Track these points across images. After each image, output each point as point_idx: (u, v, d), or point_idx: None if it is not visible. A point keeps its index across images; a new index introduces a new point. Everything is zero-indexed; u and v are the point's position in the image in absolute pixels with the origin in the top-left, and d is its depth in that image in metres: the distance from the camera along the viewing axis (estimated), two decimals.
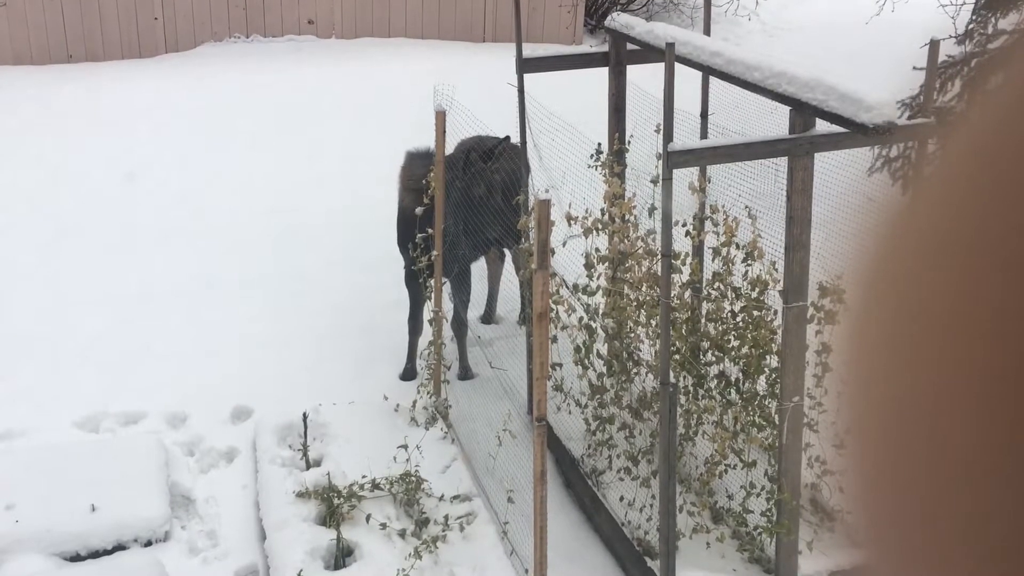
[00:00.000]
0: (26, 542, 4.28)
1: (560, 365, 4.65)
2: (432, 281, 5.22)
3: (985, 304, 0.35)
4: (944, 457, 0.36)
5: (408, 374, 5.56)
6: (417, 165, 5.22)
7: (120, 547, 4.38)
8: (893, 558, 0.39)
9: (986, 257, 0.35)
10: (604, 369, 4.62)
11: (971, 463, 0.35)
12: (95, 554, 4.34)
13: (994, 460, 0.34)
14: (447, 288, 5.47)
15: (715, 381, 4.31)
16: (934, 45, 3.77)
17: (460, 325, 5.54)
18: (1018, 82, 0.36)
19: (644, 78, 4.78)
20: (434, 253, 5.16)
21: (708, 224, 4.31)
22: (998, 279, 0.34)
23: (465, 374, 5.58)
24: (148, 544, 4.41)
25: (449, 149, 5.19)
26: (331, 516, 4.39)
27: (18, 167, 7.76)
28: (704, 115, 4.81)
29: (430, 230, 5.16)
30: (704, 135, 4.74)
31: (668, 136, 3.57)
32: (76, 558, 4.32)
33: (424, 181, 5.13)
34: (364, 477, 4.57)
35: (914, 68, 4.22)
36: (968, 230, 0.36)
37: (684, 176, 4.02)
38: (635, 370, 4.58)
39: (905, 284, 0.38)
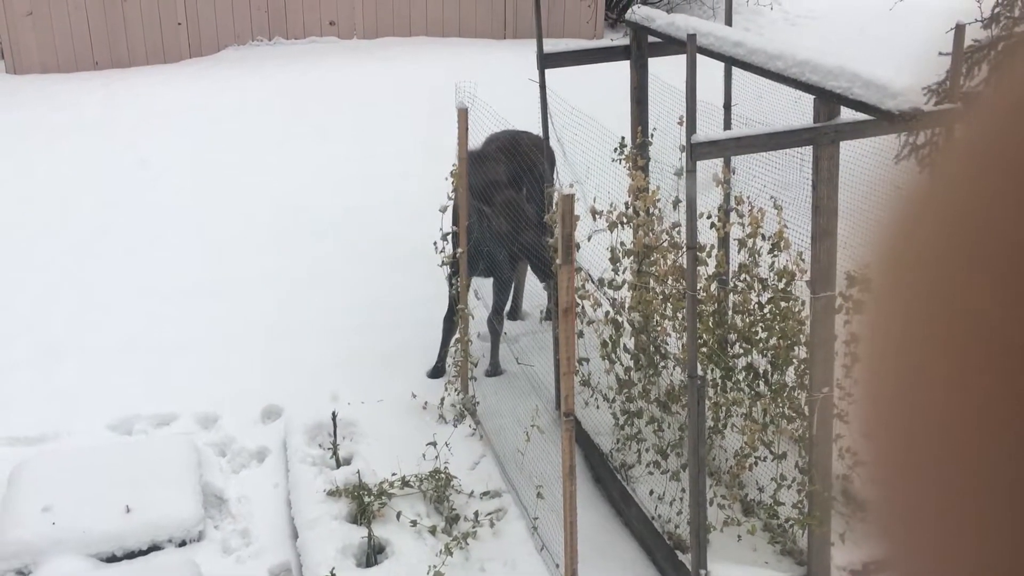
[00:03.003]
0: (63, 543, 4.34)
1: (587, 360, 4.65)
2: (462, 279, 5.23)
3: (992, 292, 0.35)
4: (955, 445, 0.35)
5: (437, 372, 5.57)
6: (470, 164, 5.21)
7: (155, 547, 4.43)
8: (904, 549, 0.39)
9: (992, 250, 0.35)
10: (631, 363, 4.62)
11: (982, 452, 0.34)
12: (131, 555, 4.39)
13: (1004, 450, 0.34)
14: (474, 285, 5.47)
15: (743, 373, 4.29)
16: (960, 30, 3.72)
17: (494, 324, 5.55)
18: (1018, 80, 0.36)
19: (666, 70, 4.76)
20: (459, 251, 5.17)
21: (733, 215, 4.29)
22: (1002, 274, 0.34)
23: (494, 371, 5.60)
24: (182, 544, 4.46)
25: (474, 146, 5.19)
26: (362, 514, 4.42)
27: (48, 174, 7.85)
28: (727, 106, 4.78)
29: (454, 227, 5.17)
30: (727, 126, 4.72)
31: (691, 128, 3.56)
32: (112, 559, 4.38)
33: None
34: (394, 475, 4.60)
35: (940, 53, 4.17)
36: (974, 221, 0.36)
37: (708, 168, 4.00)
38: (662, 363, 4.57)
39: (919, 269, 0.38)
